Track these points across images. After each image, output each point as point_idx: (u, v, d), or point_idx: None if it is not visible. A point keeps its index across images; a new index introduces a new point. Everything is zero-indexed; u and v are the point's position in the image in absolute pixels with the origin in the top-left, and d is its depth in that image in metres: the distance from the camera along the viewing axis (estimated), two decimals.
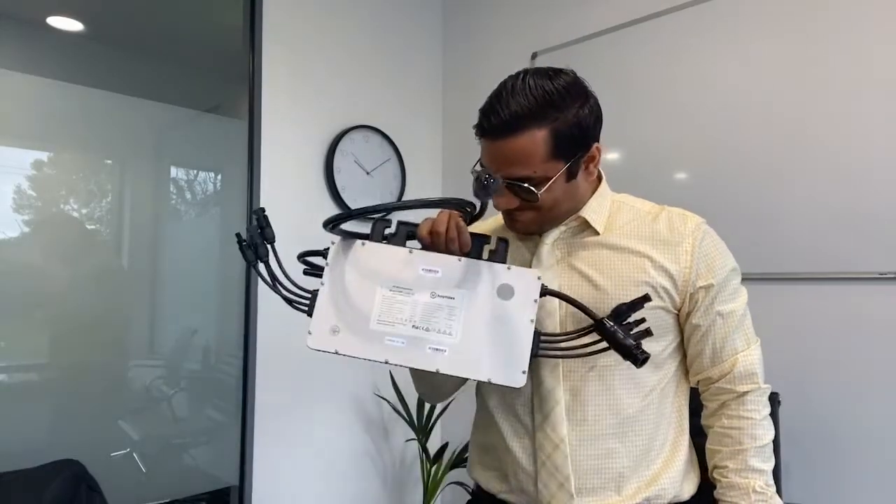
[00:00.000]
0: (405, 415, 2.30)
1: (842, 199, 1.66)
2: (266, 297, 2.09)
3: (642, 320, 0.85)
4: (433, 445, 2.36)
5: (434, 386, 1.08)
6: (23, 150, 1.73)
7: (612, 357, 0.98)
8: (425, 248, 0.92)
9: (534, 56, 2.31)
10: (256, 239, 0.90)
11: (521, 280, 0.88)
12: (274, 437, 2.09)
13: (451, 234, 0.91)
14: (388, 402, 2.35)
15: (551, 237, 1.03)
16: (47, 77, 1.75)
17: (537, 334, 0.86)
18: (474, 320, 0.84)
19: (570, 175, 0.96)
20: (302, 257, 0.96)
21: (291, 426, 2.14)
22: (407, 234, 0.92)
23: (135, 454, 1.86)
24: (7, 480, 1.53)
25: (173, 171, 2.03)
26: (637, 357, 0.83)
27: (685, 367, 1.08)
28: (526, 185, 0.92)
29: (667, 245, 1.00)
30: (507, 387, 0.85)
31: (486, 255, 0.91)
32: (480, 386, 1.10)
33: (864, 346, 1.62)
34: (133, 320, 1.94)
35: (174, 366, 2.00)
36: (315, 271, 0.91)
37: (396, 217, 0.95)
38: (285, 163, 2.18)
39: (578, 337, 0.87)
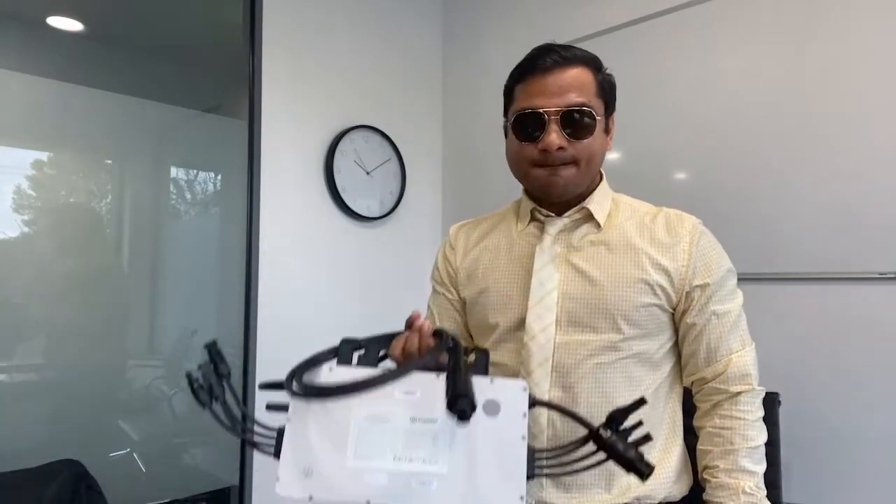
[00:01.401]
0: None
1: (842, 199, 1.66)
2: (266, 297, 2.09)
3: (639, 423, 0.78)
4: None
5: None
6: (23, 150, 1.73)
7: (607, 356, 0.98)
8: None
9: None
10: (210, 377, 0.80)
11: (506, 393, 0.79)
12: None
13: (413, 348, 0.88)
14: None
15: (555, 228, 1.03)
16: (47, 77, 1.75)
17: (531, 452, 0.77)
18: (461, 444, 0.75)
19: (605, 127, 1.01)
20: (265, 387, 0.87)
21: None
22: (378, 354, 0.85)
23: (135, 454, 1.86)
24: (7, 480, 1.53)
25: (173, 171, 2.03)
26: (642, 471, 0.75)
27: (679, 369, 1.08)
28: (587, 108, 0.95)
29: (664, 243, 1.01)
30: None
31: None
32: None
33: (864, 346, 1.62)
34: (133, 320, 1.94)
35: (174, 366, 2.00)
36: (280, 406, 0.82)
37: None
38: (285, 163, 2.18)
39: (575, 449, 0.79)
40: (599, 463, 0.78)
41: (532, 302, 1.00)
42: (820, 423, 1.68)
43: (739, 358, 1.02)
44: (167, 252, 1.99)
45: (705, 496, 1.02)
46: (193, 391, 0.80)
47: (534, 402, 0.80)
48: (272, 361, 2.10)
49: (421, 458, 0.76)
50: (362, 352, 0.85)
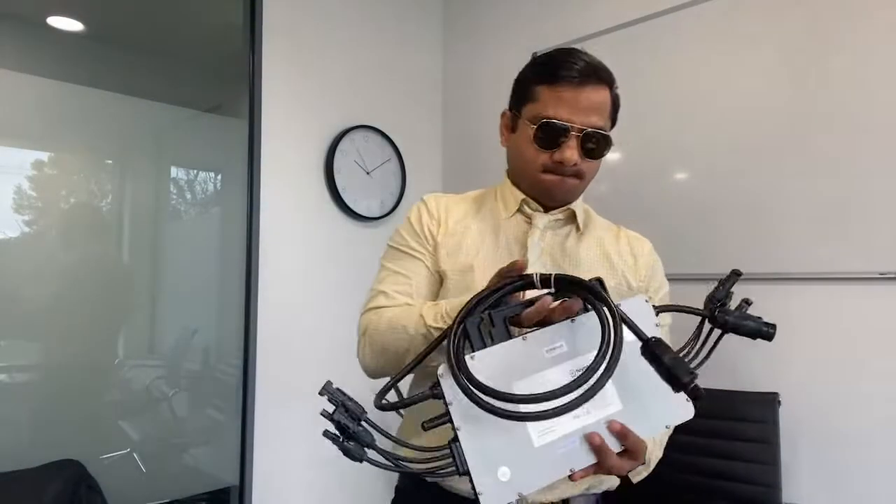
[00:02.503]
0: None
1: (842, 200, 1.66)
2: (266, 297, 2.09)
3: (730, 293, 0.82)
4: None
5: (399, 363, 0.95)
6: (23, 150, 1.73)
7: None
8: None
9: (534, 56, 2.31)
10: (353, 427, 0.70)
11: (636, 310, 0.78)
12: (274, 437, 2.09)
13: (559, 314, 0.78)
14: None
15: (542, 222, 1.04)
16: (47, 77, 1.75)
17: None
18: (622, 376, 0.73)
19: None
20: (387, 407, 0.77)
21: (291, 426, 2.14)
22: (505, 320, 0.78)
23: (135, 454, 1.86)
24: (7, 480, 1.53)
25: (173, 171, 2.03)
26: (770, 332, 0.78)
27: None
28: (605, 133, 0.96)
29: (628, 261, 1.06)
30: None
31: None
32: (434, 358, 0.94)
33: (864, 346, 1.62)
34: (133, 320, 1.94)
35: (174, 366, 2.00)
36: (439, 422, 0.73)
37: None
38: (285, 163, 2.18)
39: (696, 339, 0.83)
40: (719, 339, 0.82)
41: None
42: (820, 423, 1.68)
43: None
44: (167, 252, 1.98)
45: None
46: (343, 450, 0.70)
47: (657, 310, 0.82)
48: (272, 361, 2.10)
49: (597, 406, 0.74)
50: (489, 321, 0.77)
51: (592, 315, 0.75)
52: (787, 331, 1.74)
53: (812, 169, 1.71)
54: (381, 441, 0.73)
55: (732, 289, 0.83)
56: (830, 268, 1.68)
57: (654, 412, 0.76)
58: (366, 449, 0.71)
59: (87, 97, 1.82)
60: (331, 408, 0.70)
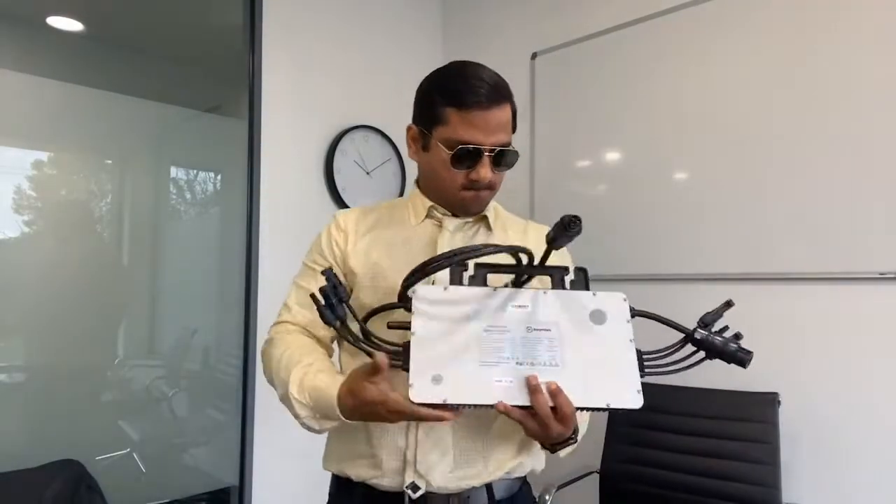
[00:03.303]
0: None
1: (841, 200, 1.66)
2: (266, 297, 2.09)
3: (726, 327, 0.87)
4: None
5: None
6: (23, 150, 1.73)
7: None
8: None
9: (534, 56, 2.30)
10: (333, 300, 0.86)
11: (610, 303, 0.88)
12: (274, 436, 2.09)
13: None
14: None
15: (452, 225, 1.08)
16: (47, 77, 1.75)
17: (639, 353, 0.87)
18: (575, 349, 0.84)
19: None
20: (374, 314, 0.93)
21: (291, 426, 2.14)
22: (485, 276, 0.90)
23: (135, 454, 1.86)
24: (7, 480, 1.53)
25: (173, 171, 2.03)
26: (744, 359, 0.85)
27: None
28: (512, 148, 1.02)
29: (538, 253, 1.07)
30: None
31: (567, 285, 0.91)
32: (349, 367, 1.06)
33: (864, 346, 1.62)
34: (133, 320, 1.94)
35: (174, 366, 2.00)
36: (400, 325, 0.88)
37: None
38: (285, 163, 2.18)
39: (675, 351, 0.89)
40: (700, 362, 0.89)
41: None
42: (820, 423, 1.68)
43: None
44: (167, 252, 1.99)
45: None
46: (321, 313, 0.85)
47: (634, 313, 0.90)
48: None
49: (542, 361, 0.83)
50: (471, 272, 0.90)
51: (562, 292, 0.88)
52: (788, 331, 1.75)
53: (811, 169, 1.71)
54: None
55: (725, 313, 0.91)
56: (830, 268, 1.68)
57: (597, 386, 0.83)
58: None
59: (87, 97, 1.82)
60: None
